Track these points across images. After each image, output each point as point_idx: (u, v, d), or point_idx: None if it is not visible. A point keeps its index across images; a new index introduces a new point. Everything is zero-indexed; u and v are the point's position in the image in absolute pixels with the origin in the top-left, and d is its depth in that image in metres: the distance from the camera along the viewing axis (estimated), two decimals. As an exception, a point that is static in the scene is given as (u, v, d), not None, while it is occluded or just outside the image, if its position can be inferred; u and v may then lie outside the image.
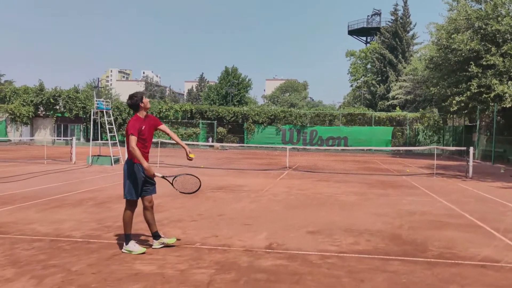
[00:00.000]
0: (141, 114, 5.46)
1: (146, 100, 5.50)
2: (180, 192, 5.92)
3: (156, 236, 5.51)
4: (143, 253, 5.20)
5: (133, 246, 5.25)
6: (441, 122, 35.84)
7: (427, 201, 9.85)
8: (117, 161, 17.67)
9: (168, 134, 5.85)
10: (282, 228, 6.71)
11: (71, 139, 17.98)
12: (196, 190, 5.90)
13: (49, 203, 8.45)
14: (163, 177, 5.65)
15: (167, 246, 5.47)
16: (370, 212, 8.26)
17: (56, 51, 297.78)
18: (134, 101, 5.41)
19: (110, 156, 17.23)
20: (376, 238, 6.22)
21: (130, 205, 5.40)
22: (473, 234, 6.61)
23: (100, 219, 7.11)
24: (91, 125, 19.24)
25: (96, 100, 17.67)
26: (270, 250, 5.45)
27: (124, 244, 5.32)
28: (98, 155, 17.73)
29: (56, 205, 8.30)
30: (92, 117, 18.35)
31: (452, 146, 31.12)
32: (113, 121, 18.13)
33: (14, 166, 16.38)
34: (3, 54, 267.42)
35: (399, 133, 37.41)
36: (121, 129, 34.27)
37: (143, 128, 5.35)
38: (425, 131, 36.47)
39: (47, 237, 5.89)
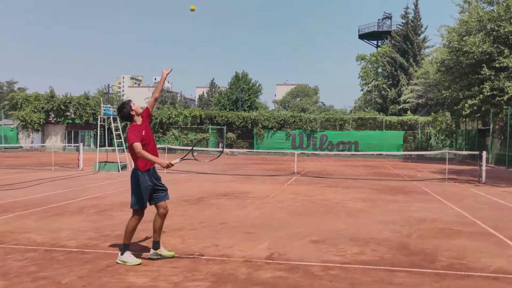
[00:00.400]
0: (137, 120, 5.26)
1: (135, 106, 5.28)
2: (206, 161, 6.25)
3: (156, 245, 5.30)
4: (138, 264, 5.01)
5: (128, 257, 5.06)
6: (453, 126, 35.27)
7: (438, 208, 9.53)
8: (124, 167, 17.58)
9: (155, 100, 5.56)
10: (285, 237, 6.48)
11: (79, 146, 17.93)
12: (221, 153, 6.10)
13: (49, 211, 8.32)
14: (181, 159, 5.45)
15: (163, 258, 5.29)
16: (377, 220, 7.98)
17: (69, 59, 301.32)
18: (125, 112, 5.21)
19: (117, 162, 17.15)
20: (382, 247, 5.95)
21: (137, 215, 5.22)
22: (486, 243, 6.30)
23: (99, 227, 6.94)
24: (98, 131, 19.15)
25: (103, 106, 17.63)
26: (270, 261, 5.22)
27: (119, 254, 5.12)
28: (105, 162, 17.67)
29: (56, 213, 8.17)
30: (99, 123, 18.28)
31: (465, 150, 30.58)
32: (120, 127, 18.04)
33: (22, 173, 16.37)
34: (16, 61, 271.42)
35: (411, 138, 36.89)
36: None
37: (143, 134, 5.14)
38: (437, 135, 35.92)
39: (42, 246, 5.74)
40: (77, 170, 17.32)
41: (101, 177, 15.07)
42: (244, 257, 5.38)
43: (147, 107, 5.43)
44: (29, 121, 38.11)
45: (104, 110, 17.56)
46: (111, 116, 17.69)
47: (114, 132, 17.52)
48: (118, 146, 17.82)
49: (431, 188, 13.36)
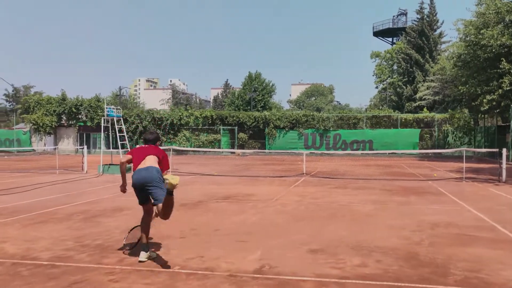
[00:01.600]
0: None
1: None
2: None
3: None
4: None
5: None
6: (471, 122, 34.14)
7: (454, 210, 8.80)
8: (128, 170, 17.12)
9: None
10: (281, 246, 5.87)
11: (82, 148, 17.60)
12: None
13: (35, 218, 7.85)
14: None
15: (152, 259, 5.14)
16: (386, 225, 7.31)
17: (87, 62, 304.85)
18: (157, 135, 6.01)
19: (121, 164, 16.71)
20: (388, 258, 5.30)
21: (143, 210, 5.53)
22: (506, 252, 5.60)
23: (81, 236, 6.42)
24: (102, 133, 18.77)
25: (107, 108, 17.24)
26: (258, 275, 4.62)
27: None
28: (109, 164, 17.28)
29: (42, 220, 7.69)
30: (102, 125, 17.89)
31: (484, 148, 29.45)
32: (124, 128, 17.62)
33: (25, 176, 16.06)
34: (32, 66, 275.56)
35: (427, 135, 35.83)
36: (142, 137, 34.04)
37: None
38: (455, 133, 34.77)
39: (11, 259, 5.24)
40: (81, 173, 16.96)
41: (103, 180, 14.65)
42: (229, 270, 4.79)
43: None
44: (41, 124, 38.13)
45: (108, 111, 17.17)
46: (115, 117, 17.28)
47: (117, 134, 17.10)
48: (122, 147, 17.40)
49: (447, 188, 12.58)
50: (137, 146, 5.94)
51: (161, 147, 6.10)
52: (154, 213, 5.42)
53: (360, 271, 4.79)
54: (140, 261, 5.10)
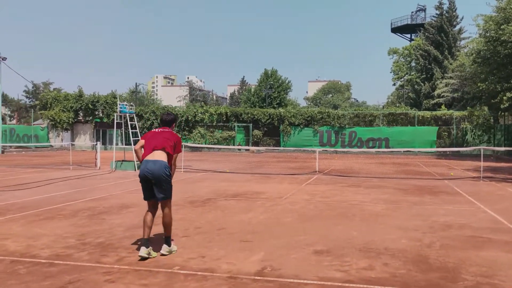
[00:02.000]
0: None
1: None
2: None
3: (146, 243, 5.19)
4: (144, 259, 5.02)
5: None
6: (491, 120, 33.34)
7: (469, 211, 8.50)
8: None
9: None
10: (286, 246, 5.70)
11: (96, 144, 17.66)
12: None
13: (42, 214, 7.82)
14: None
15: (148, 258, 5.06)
16: (396, 226, 7.07)
17: (107, 60, 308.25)
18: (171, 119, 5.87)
19: (133, 161, 16.73)
20: (396, 261, 5.08)
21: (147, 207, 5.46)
22: (522, 256, 5.33)
23: (84, 233, 6.35)
24: (114, 129, 18.79)
25: (120, 104, 17.26)
26: (259, 277, 4.46)
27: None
28: (122, 160, 17.30)
29: (48, 216, 7.65)
30: (115, 121, 17.92)
31: (504, 146, 28.72)
32: (137, 125, 17.62)
33: (39, 172, 16.18)
34: (52, 63, 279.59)
35: (445, 133, 35.13)
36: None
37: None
38: (474, 131, 34.01)
39: (11, 256, 5.17)
40: (94, 169, 17.02)
41: (115, 177, 14.65)
42: (230, 272, 4.63)
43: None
44: (59, 121, 38.57)
45: (121, 107, 17.18)
46: (127, 114, 17.29)
47: (130, 130, 17.10)
48: (134, 144, 17.39)
49: (463, 187, 12.23)
50: (152, 130, 5.78)
51: None
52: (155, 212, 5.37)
53: (366, 274, 4.58)
54: (140, 256, 5.01)
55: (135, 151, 5.61)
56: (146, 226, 5.23)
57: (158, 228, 5.86)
